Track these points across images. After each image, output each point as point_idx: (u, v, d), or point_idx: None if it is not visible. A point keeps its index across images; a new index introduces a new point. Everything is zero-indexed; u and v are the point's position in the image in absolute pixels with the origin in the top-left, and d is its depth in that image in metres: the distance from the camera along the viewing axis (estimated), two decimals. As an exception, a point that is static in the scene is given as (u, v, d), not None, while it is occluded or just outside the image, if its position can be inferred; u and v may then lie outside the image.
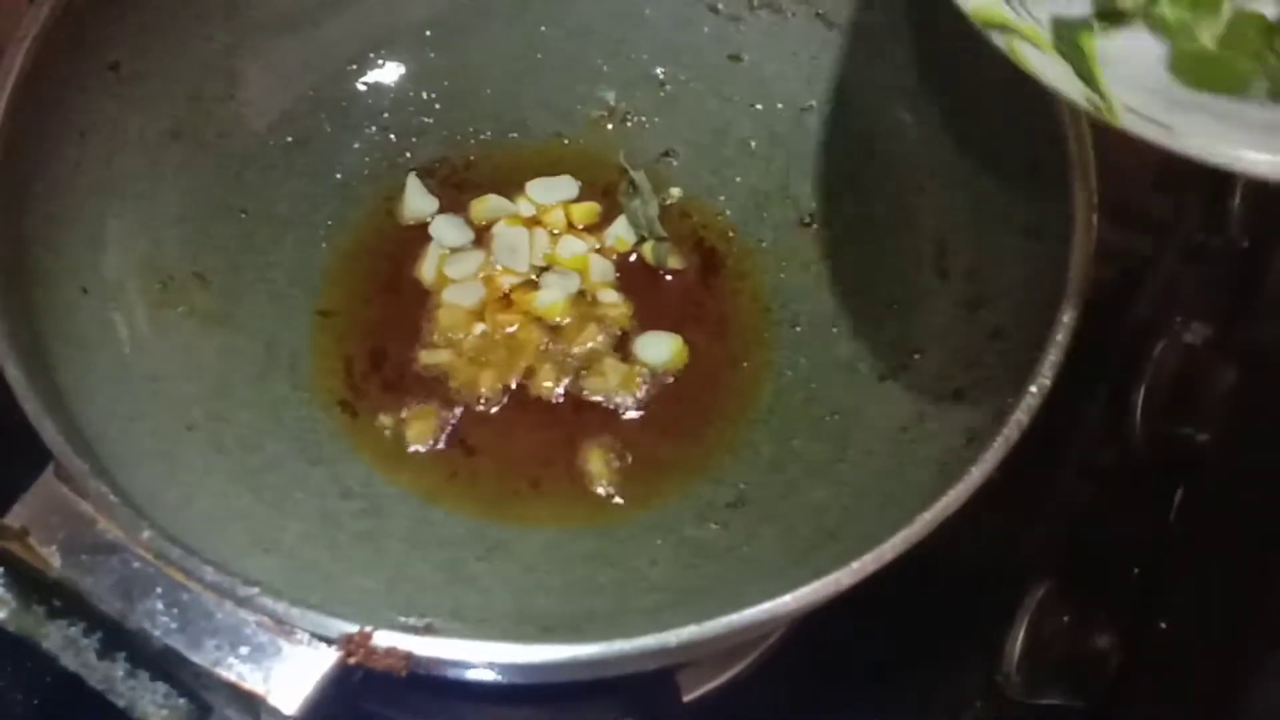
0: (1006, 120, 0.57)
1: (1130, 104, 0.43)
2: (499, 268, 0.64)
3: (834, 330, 0.61)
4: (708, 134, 0.67)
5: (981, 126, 0.59)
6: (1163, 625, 0.63)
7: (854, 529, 0.52)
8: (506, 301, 0.63)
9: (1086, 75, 0.45)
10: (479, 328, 0.62)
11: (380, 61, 0.67)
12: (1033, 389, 0.48)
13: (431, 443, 0.59)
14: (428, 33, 0.67)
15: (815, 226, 0.64)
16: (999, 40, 0.45)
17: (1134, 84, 0.45)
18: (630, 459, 0.59)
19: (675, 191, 0.67)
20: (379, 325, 0.62)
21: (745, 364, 0.62)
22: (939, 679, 0.63)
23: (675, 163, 0.67)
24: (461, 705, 0.59)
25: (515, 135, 0.68)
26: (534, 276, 0.64)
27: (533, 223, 0.65)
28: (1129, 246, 0.71)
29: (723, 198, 0.66)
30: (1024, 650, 0.62)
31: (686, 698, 0.59)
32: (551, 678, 0.48)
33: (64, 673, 0.44)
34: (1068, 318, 0.50)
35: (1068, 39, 0.47)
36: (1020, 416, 0.47)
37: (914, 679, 0.63)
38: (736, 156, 0.66)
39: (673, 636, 0.43)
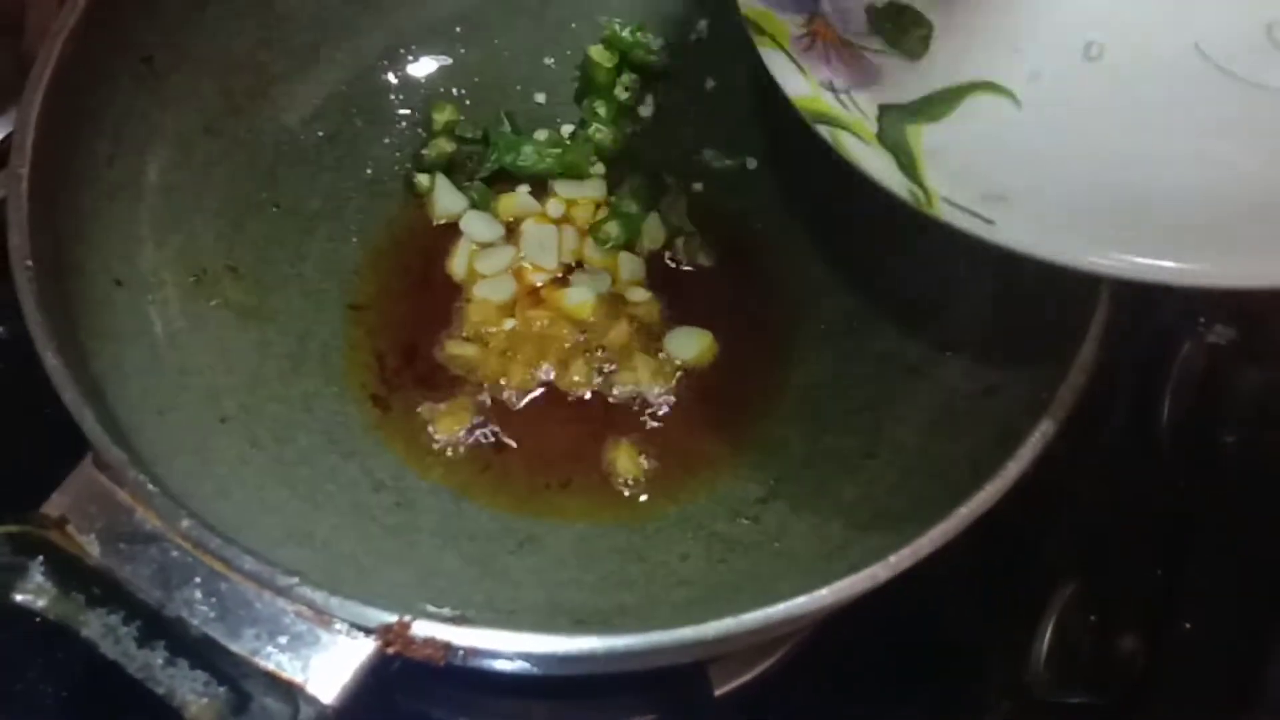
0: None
1: (951, 196, 0.44)
2: (529, 264, 0.64)
3: (864, 326, 0.61)
4: (736, 129, 0.67)
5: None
6: (1187, 626, 0.63)
7: (885, 525, 0.52)
8: (536, 298, 0.63)
9: (908, 167, 0.46)
10: (509, 323, 0.62)
11: (411, 57, 0.67)
12: (1069, 384, 0.48)
13: (463, 437, 0.59)
14: (457, 28, 0.68)
15: (845, 223, 0.64)
16: (824, 132, 0.47)
17: (960, 174, 0.45)
18: (660, 455, 0.59)
19: (699, 187, 0.67)
20: (410, 320, 0.62)
21: (775, 360, 0.62)
22: (966, 678, 0.63)
23: (703, 158, 0.67)
24: (491, 700, 0.59)
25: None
26: (563, 274, 0.64)
27: (561, 220, 0.66)
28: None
29: (753, 194, 0.66)
30: (1051, 650, 0.62)
31: (718, 692, 0.59)
32: (585, 669, 0.48)
33: (94, 665, 0.44)
34: (1101, 312, 0.49)
35: (895, 129, 0.48)
36: (1056, 411, 0.47)
37: (942, 677, 0.63)
38: (767, 153, 0.66)
39: (710, 629, 0.43)
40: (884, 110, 0.48)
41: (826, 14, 0.51)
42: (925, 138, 0.47)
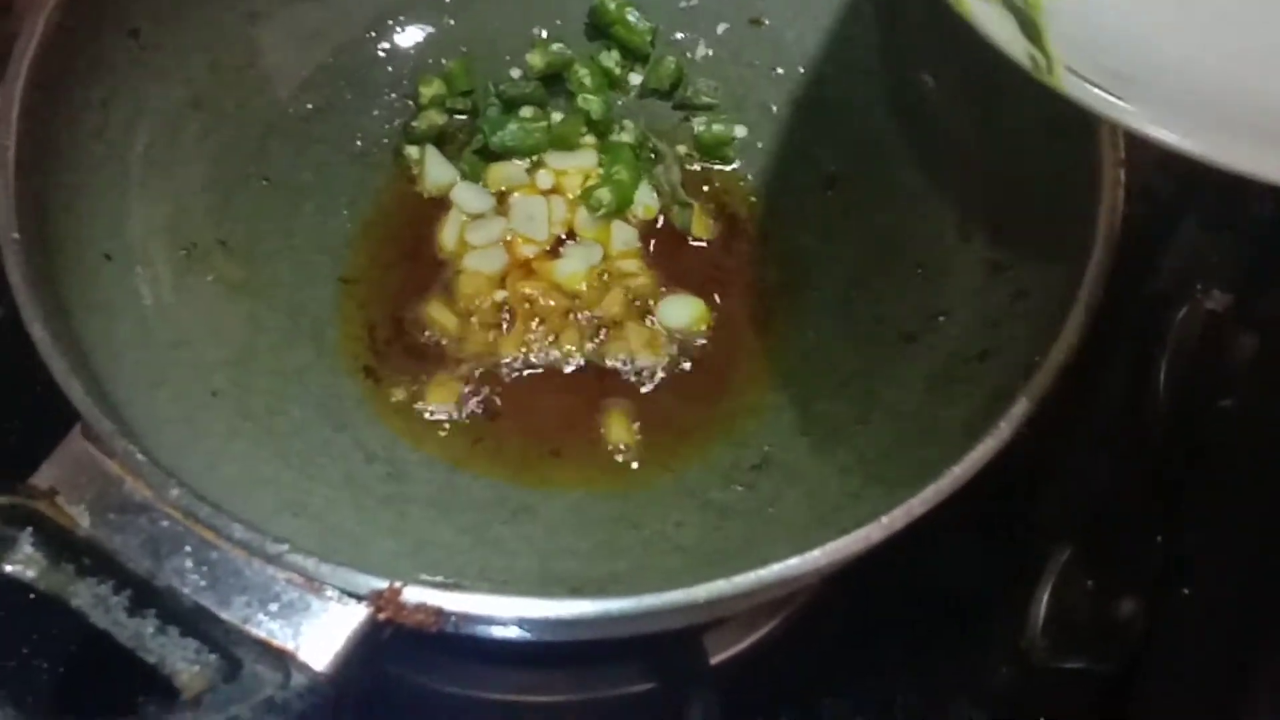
0: (1029, 79, 0.57)
1: (1076, 66, 0.41)
2: (519, 236, 0.64)
3: (857, 294, 0.61)
4: (729, 99, 0.67)
5: (1003, 87, 0.58)
6: (1185, 591, 0.62)
7: (879, 489, 0.52)
8: (527, 270, 0.63)
9: (1030, 29, 0.42)
10: (500, 294, 0.62)
11: (399, 28, 0.67)
12: (1061, 345, 0.48)
13: (455, 408, 0.59)
14: (447, -1, 0.67)
15: (837, 191, 0.64)
16: None
17: (1086, 45, 0.41)
18: (653, 423, 0.59)
19: (690, 156, 0.67)
20: (402, 292, 0.62)
21: (768, 327, 0.61)
22: (964, 644, 0.63)
23: (692, 127, 0.67)
24: (487, 669, 0.59)
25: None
26: (553, 246, 0.64)
27: (551, 192, 0.65)
28: (1149, 223, 0.71)
29: (744, 162, 0.66)
30: (1048, 616, 0.61)
31: (714, 660, 0.59)
32: (579, 635, 0.48)
33: (88, 639, 0.44)
34: (1094, 273, 0.49)
35: None
36: (1047, 373, 0.47)
37: (939, 643, 0.63)
38: (758, 121, 0.66)
39: (702, 591, 0.43)
40: None
41: None
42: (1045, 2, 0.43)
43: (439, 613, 0.43)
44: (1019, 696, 0.62)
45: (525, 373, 0.60)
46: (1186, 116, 0.39)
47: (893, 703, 0.62)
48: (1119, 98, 0.40)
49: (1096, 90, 0.40)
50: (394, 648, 0.45)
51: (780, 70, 0.66)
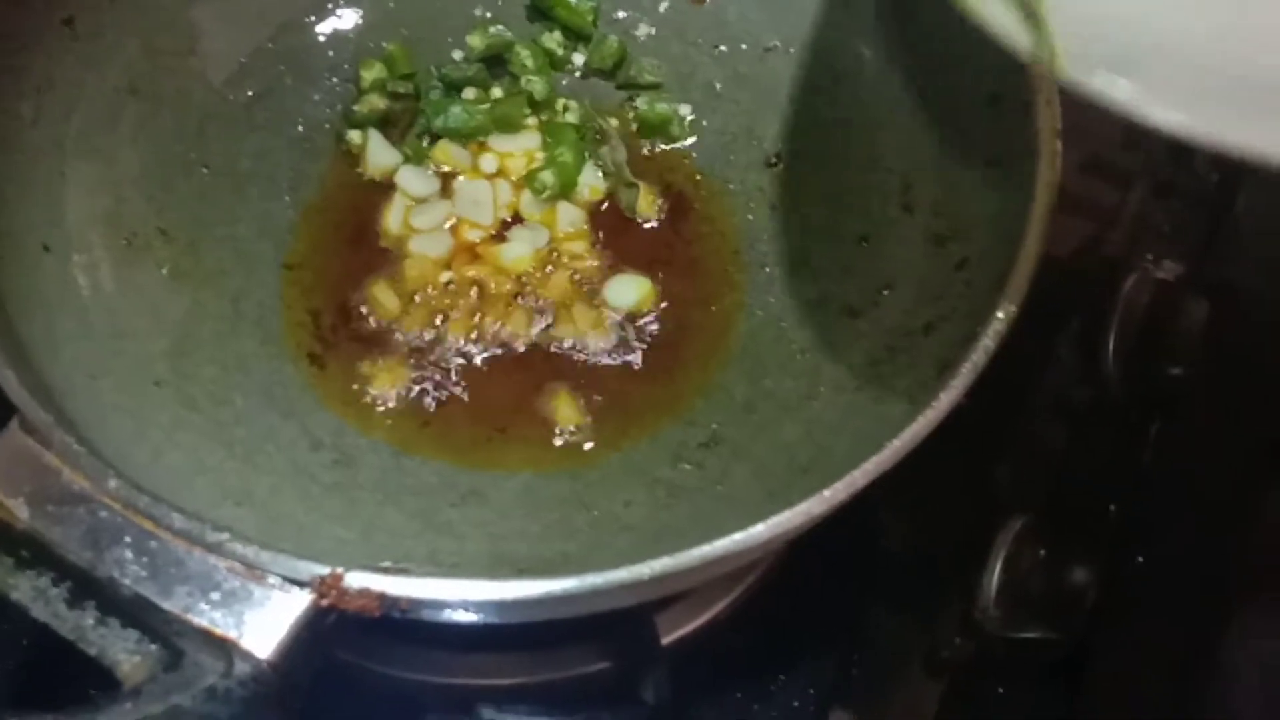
0: (967, 51, 0.56)
1: (1079, 54, 0.39)
2: (465, 221, 0.63)
3: (803, 269, 0.61)
4: (672, 78, 0.67)
5: (941, 59, 0.58)
6: (1139, 559, 0.63)
7: (827, 464, 0.52)
8: (473, 254, 0.63)
9: (1031, 16, 0.41)
10: (445, 276, 0.61)
11: (338, 10, 0.66)
12: (999, 314, 0.48)
13: (401, 393, 0.58)
14: (385, -22, 0.67)
15: (781, 166, 0.64)
16: None
17: (1085, 32, 0.40)
18: (602, 403, 0.59)
19: (635, 135, 0.66)
20: (346, 278, 0.61)
21: (715, 306, 0.61)
22: (917, 616, 0.63)
23: (640, 107, 0.66)
24: (441, 654, 0.59)
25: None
26: (499, 231, 0.63)
27: (495, 175, 0.65)
28: (1098, 196, 0.72)
29: (689, 141, 0.65)
30: (1000, 585, 0.62)
31: (665, 640, 0.59)
32: (527, 616, 0.48)
33: (41, 639, 0.43)
34: (1033, 242, 0.50)
35: None
36: (987, 343, 0.47)
37: (892, 616, 0.63)
38: (702, 99, 0.66)
39: (646, 569, 0.43)
40: None
41: None
42: None
43: (381, 597, 0.43)
44: (973, 666, 0.63)
45: (473, 356, 0.60)
46: (1189, 100, 0.38)
47: (848, 676, 0.63)
48: (1120, 86, 0.38)
49: (1100, 80, 0.39)
50: (345, 634, 0.45)
51: (723, 48, 0.66)
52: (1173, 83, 0.39)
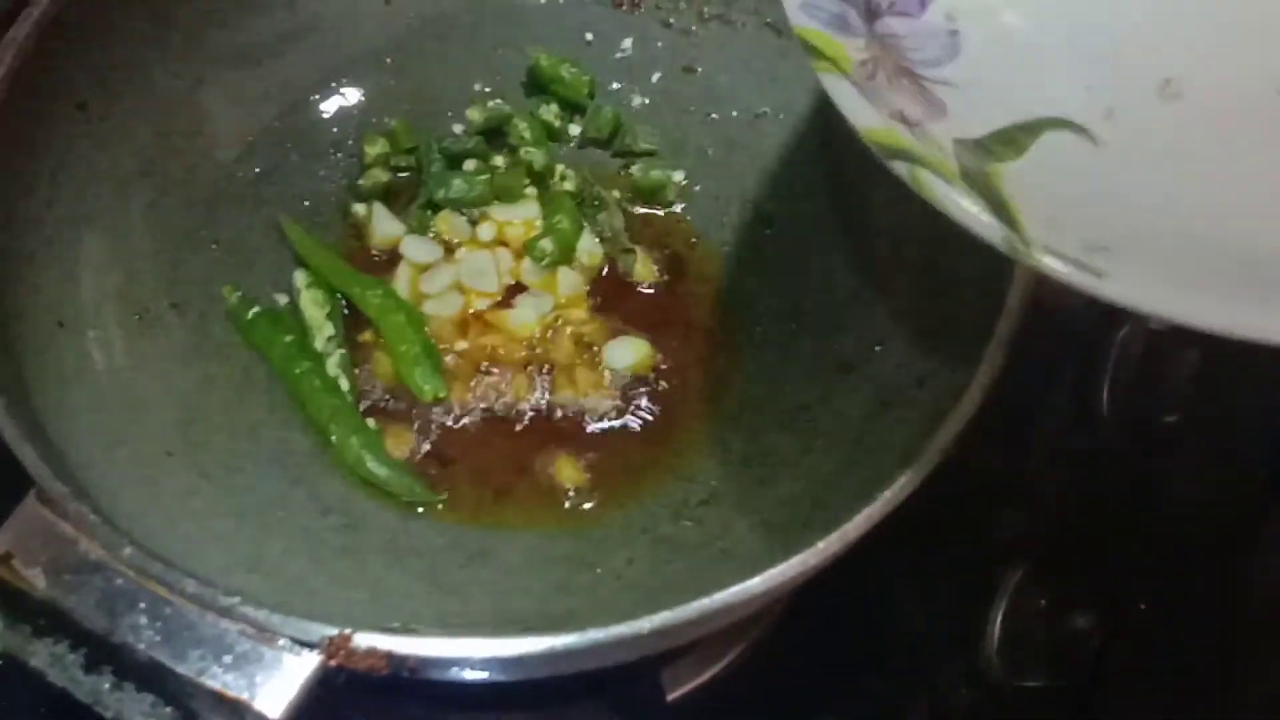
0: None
1: (1053, 245, 0.38)
2: (471, 290, 0.65)
3: (797, 327, 0.62)
4: (666, 145, 0.69)
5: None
6: (1142, 606, 0.63)
7: (826, 518, 0.52)
8: (481, 322, 0.64)
9: (1001, 210, 0.39)
10: (462, 346, 0.63)
11: (341, 90, 0.68)
12: (985, 366, 0.49)
13: (408, 456, 0.60)
14: (387, 59, 0.69)
15: (775, 229, 0.65)
16: (901, 169, 0.41)
17: (1054, 220, 0.39)
18: (602, 463, 0.60)
19: (630, 202, 0.68)
20: (351, 346, 0.62)
21: (712, 365, 0.63)
22: (922, 667, 0.64)
23: (632, 175, 0.68)
24: (447, 713, 0.60)
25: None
26: (504, 297, 0.65)
27: (495, 244, 0.66)
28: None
29: (683, 205, 0.67)
30: (1003, 634, 0.62)
31: (670, 697, 0.60)
32: (533, 672, 0.48)
33: (61, 698, 0.44)
34: (1016, 297, 0.51)
35: (976, 166, 0.41)
36: (974, 394, 0.49)
37: (897, 668, 0.63)
38: (695, 165, 0.68)
39: (646, 623, 0.44)
40: (958, 145, 0.42)
41: (890, 38, 0.45)
42: (1005, 179, 0.40)
43: (389, 656, 0.44)
44: (978, 716, 0.63)
45: (476, 420, 0.61)
46: (1167, 281, 0.37)
47: (852, 729, 0.63)
48: (1097, 272, 0.37)
49: (1077, 268, 0.37)
50: (355, 695, 0.46)
51: (715, 115, 0.68)
52: (1153, 265, 0.38)
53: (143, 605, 0.44)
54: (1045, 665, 0.62)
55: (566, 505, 0.59)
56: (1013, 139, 0.42)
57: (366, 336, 0.63)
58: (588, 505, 0.59)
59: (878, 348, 0.59)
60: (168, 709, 0.43)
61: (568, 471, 0.59)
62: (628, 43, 0.70)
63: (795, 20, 0.45)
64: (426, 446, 0.60)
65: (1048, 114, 0.43)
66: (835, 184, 0.64)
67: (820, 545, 0.45)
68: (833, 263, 0.62)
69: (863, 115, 0.42)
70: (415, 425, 0.61)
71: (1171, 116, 0.43)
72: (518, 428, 0.61)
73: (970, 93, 0.43)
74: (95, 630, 0.44)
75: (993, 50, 0.44)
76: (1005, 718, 0.63)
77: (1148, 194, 0.41)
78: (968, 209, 0.39)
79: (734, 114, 0.68)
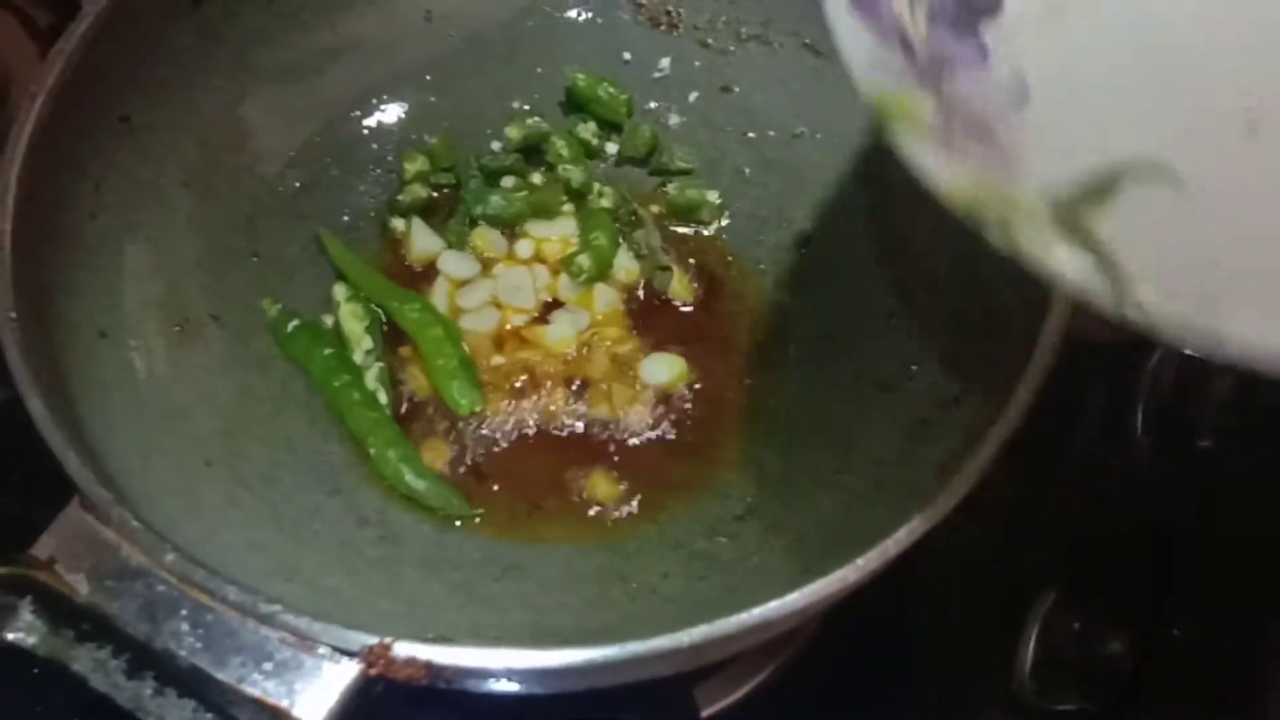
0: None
1: (1164, 303, 0.35)
2: (508, 306, 0.65)
3: (833, 346, 0.62)
4: (703, 164, 0.69)
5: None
6: (1175, 632, 0.63)
7: (861, 535, 0.52)
8: (517, 337, 0.64)
9: (1107, 267, 0.36)
10: (496, 360, 0.63)
11: (383, 106, 0.69)
12: (1023, 386, 0.49)
13: (444, 470, 0.60)
14: (428, 76, 0.70)
15: (810, 249, 0.66)
16: (995, 232, 0.38)
17: (1160, 273, 0.35)
18: (638, 479, 0.60)
19: (668, 220, 0.68)
20: (389, 359, 0.63)
21: (748, 382, 0.63)
22: (953, 690, 0.63)
23: (671, 193, 0.69)
24: (482, 726, 0.60)
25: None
26: (540, 314, 0.65)
27: (532, 260, 0.67)
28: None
29: (719, 224, 0.67)
30: (1036, 657, 0.62)
31: (705, 713, 0.60)
32: (570, 685, 0.49)
33: (98, 703, 0.45)
34: (1057, 319, 0.51)
35: (1068, 219, 0.37)
36: (1012, 415, 0.48)
37: (929, 690, 0.63)
38: (731, 184, 0.68)
39: (685, 637, 0.44)
40: (1045, 198, 0.38)
41: (956, 91, 0.42)
42: (1098, 226, 0.37)
43: (428, 666, 0.44)
44: (1010, 740, 0.63)
45: (511, 433, 0.61)
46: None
47: (884, 750, 0.63)
48: (1214, 329, 0.34)
49: (1192, 327, 0.34)
50: (388, 707, 0.46)
51: (751, 135, 0.69)
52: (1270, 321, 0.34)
53: (184, 612, 0.45)
54: (1077, 689, 0.62)
55: (601, 520, 0.59)
56: (1097, 184, 0.39)
57: (405, 350, 0.63)
58: (623, 520, 0.59)
59: (914, 367, 0.59)
60: (208, 715, 0.43)
61: (603, 486, 0.60)
62: (665, 62, 0.70)
63: (863, 83, 0.42)
64: (463, 460, 0.60)
65: (1129, 155, 0.39)
66: (872, 204, 0.64)
67: (860, 562, 0.45)
68: (869, 283, 0.63)
69: (942, 174, 0.40)
70: (451, 439, 0.61)
71: (1255, 150, 0.42)
72: (553, 442, 0.61)
73: (1046, 139, 0.42)
74: (137, 636, 0.44)
75: (1064, 94, 0.43)
76: (1037, 741, 0.63)
77: (1248, 239, 0.37)
78: (1075, 267, 0.36)
79: (771, 134, 0.68)
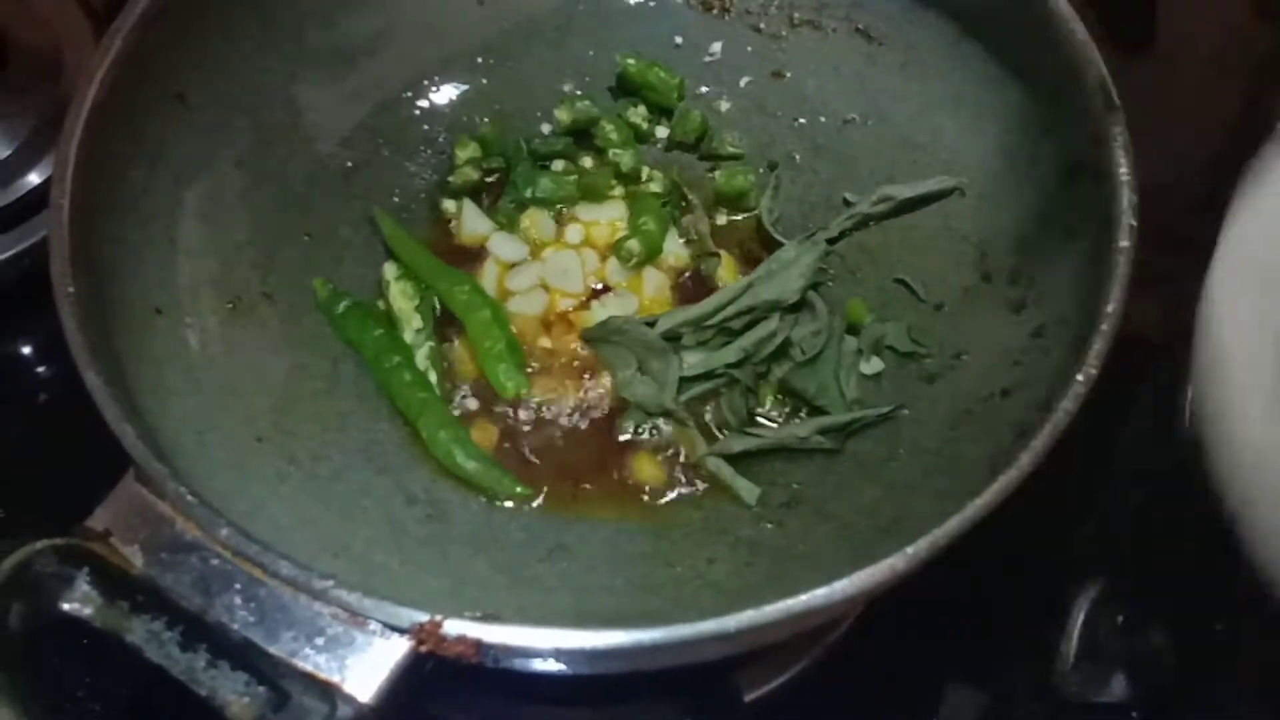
0: (1046, 123, 0.58)
1: None
2: (556, 290, 0.65)
3: (881, 335, 0.62)
4: (753, 149, 0.69)
5: (1020, 130, 0.60)
6: (1218, 626, 0.63)
7: (906, 525, 0.53)
8: (565, 321, 0.65)
9: None
10: (543, 342, 0.63)
11: (434, 88, 0.69)
12: (1079, 378, 0.49)
13: (492, 449, 0.60)
14: (479, 60, 0.70)
15: (860, 236, 0.65)
16: None
17: None
18: (683, 461, 0.60)
19: (716, 206, 0.68)
20: (441, 339, 0.63)
21: (795, 369, 0.63)
22: (996, 679, 0.63)
23: (716, 180, 0.68)
24: (523, 707, 0.60)
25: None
26: (588, 298, 0.65)
27: (581, 245, 0.67)
28: (1171, 265, 0.72)
29: (769, 209, 0.67)
30: (1079, 650, 0.62)
31: (748, 698, 0.60)
32: (615, 667, 0.49)
33: (150, 674, 0.45)
34: (1113, 311, 0.50)
35: None
36: (1067, 405, 0.48)
37: (971, 678, 0.63)
38: (782, 169, 0.68)
39: (733, 621, 0.44)
40: None
41: None
42: None
43: (478, 644, 0.44)
44: (1050, 731, 0.63)
45: (559, 416, 0.61)
46: None
47: (926, 739, 0.63)
48: None
49: None
50: (429, 687, 0.46)
51: (802, 120, 0.69)
52: None
53: (237, 585, 0.45)
54: (1120, 682, 0.62)
55: (646, 502, 0.59)
56: None
57: (454, 331, 0.64)
58: (668, 504, 0.59)
59: (963, 357, 0.59)
60: (261, 688, 0.44)
61: (648, 469, 0.60)
62: (717, 47, 0.70)
63: None
64: (508, 441, 0.61)
65: None
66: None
67: (910, 550, 0.45)
68: (918, 272, 0.63)
69: None
70: (497, 420, 0.61)
71: None
72: (598, 425, 0.61)
73: None
74: (191, 609, 0.45)
75: None
76: (1078, 733, 0.63)
77: None
78: None
79: (822, 119, 0.68)
